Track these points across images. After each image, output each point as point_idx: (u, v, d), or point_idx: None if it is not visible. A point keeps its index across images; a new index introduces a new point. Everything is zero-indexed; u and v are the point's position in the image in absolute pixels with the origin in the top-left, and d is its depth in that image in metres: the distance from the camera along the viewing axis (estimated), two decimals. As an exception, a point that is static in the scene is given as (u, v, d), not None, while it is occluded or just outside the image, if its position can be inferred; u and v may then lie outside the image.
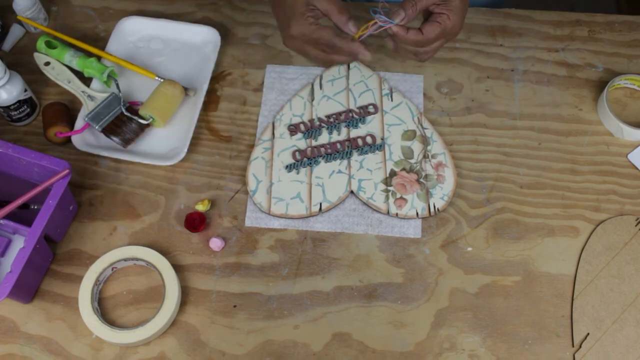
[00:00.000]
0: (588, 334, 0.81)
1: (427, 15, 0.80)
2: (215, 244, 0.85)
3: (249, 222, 0.88)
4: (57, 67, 0.96)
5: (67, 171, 0.81)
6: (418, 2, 0.78)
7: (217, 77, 0.98)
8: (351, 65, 0.97)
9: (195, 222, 0.86)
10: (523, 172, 0.91)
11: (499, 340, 0.81)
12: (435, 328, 0.82)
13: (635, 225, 0.87)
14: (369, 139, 0.92)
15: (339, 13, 0.79)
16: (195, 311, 0.83)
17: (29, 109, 0.93)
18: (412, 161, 0.90)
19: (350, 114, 0.94)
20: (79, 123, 0.92)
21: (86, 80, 0.96)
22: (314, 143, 0.92)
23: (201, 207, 0.87)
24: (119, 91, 0.94)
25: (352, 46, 0.80)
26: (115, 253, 0.84)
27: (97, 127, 0.91)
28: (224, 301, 0.83)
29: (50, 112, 0.92)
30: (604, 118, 0.94)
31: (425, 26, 0.78)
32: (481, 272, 0.85)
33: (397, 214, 0.87)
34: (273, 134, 0.93)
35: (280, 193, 0.89)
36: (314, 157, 0.91)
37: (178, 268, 0.85)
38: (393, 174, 0.90)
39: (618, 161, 0.92)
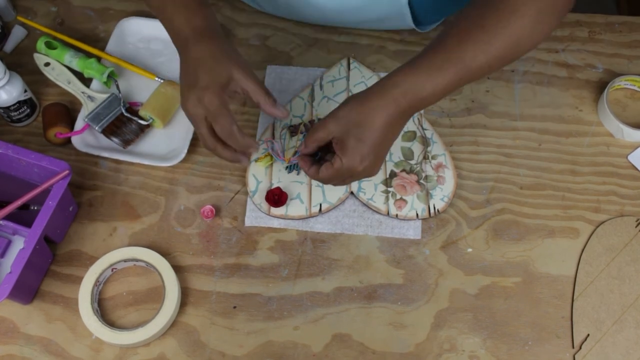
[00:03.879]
0: (588, 335, 0.81)
1: None
2: (206, 211, 0.86)
3: (248, 222, 0.88)
4: (57, 67, 0.96)
5: (67, 172, 0.81)
6: (310, 133, 0.76)
7: (217, 78, 0.98)
8: (352, 65, 0.97)
9: (276, 197, 0.85)
10: (523, 173, 0.91)
11: (499, 342, 0.81)
12: (436, 329, 0.82)
13: (636, 227, 0.87)
14: (369, 140, 0.92)
15: (265, 94, 0.77)
16: (195, 312, 0.83)
17: (28, 110, 0.93)
18: (412, 162, 0.90)
19: (351, 115, 0.94)
20: (79, 124, 0.92)
21: (86, 81, 0.96)
22: (314, 144, 0.92)
23: (262, 164, 0.88)
24: (119, 92, 0.94)
25: (246, 140, 0.76)
26: (115, 254, 0.84)
27: (97, 128, 0.91)
28: (224, 302, 0.83)
29: (50, 112, 0.92)
30: (604, 119, 0.94)
31: (322, 166, 0.77)
32: (481, 273, 0.85)
33: (397, 215, 0.87)
34: (273, 135, 0.93)
35: (280, 194, 0.89)
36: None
37: (178, 269, 0.84)
38: (393, 175, 0.90)
39: (618, 162, 0.92)
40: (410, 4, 0.90)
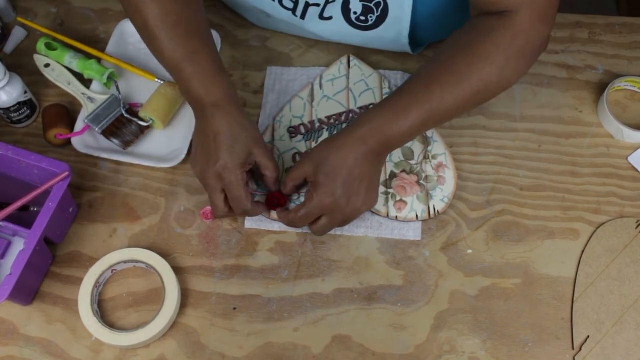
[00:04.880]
0: (588, 336, 0.81)
1: None
2: (206, 213, 0.87)
3: (248, 224, 0.88)
4: (57, 68, 0.96)
5: (67, 173, 0.81)
6: (288, 173, 0.82)
7: (217, 79, 0.98)
8: (351, 64, 0.97)
9: (276, 202, 0.86)
10: (523, 175, 0.91)
11: (499, 343, 0.81)
12: (435, 331, 0.82)
13: (636, 228, 0.87)
14: (369, 141, 0.92)
15: (274, 171, 0.81)
16: (195, 313, 0.83)
17: (28, 111, 0.93)
18: (413, 162, 0.90)
19: (351, 115, 0.94)
20: (79, 125, 0.92)
21: (86, 82, 0.96)
22: (314, 145, 0.92)
23: None
24: (119, 93, 0.94)
25: (258, 211, 0.83)
26: (115, 255, 0.84)
27: (97, 129, 0.91)
28: (224, 303, 0.83)
29: (50, 114, 0.92)
30: (604, 120, 0.94)
31: (293, 208, 0.81)
32: (481, 275, 0.85)
33: (396, 217, 0.87)
34: (273, 136, 0.93)
35: (280, 195, 0.88)
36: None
37: (178, 270, 0.84)
38: (393, 175, 0.90)
39: (618, 163, 0.92)
40: (410, 40, 0.92)
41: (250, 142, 0.79)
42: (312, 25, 0.93)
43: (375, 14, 0.89)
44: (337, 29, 0.92)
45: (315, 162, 0.79)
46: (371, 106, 0.94)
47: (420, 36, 0.94)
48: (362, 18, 0.90)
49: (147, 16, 0.80)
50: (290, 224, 0.83)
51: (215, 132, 0.78)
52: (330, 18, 0.91)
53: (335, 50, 1.00)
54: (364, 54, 0.99)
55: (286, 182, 0.83)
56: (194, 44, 0.81)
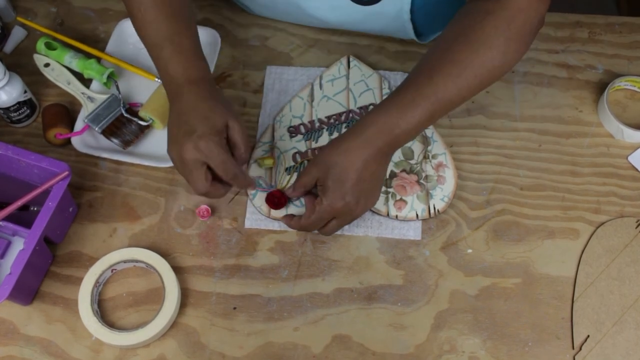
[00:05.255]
0: (588, 336, 0.81)
1: None
2: (201, 211, 0.87)
3: (248, 224, 0.88)
4: (57, 68, 0.96)
5: (66, 173, 0.81)
6: (297, 179, 0.82)
7: (217, 79, 0.98)
8: (351, 64, 0.97)
9: (276, 200, 0.86)
10: (523, 174, 0.91)
11: (499, 343, 0.81)
12: (435, 330, 0.82)
13: (636, 227, 0.87)
14: (369, 141, 0.92)
15: (246, 156, 0.79)
16: (195, 313, 0.83)
17: (28, 111, 0.93)
18: (412, 162, 0.90)
19: (351, 115, 0.94)
20: (79, 124, 0.92)
21: (86, 82, 0.96)
22: (314, 145, 0.92)
23: (268, 163, 0.88)
24: (119, 93, 0.94)
25: (249, 180, 0.81)
26: (114, 255, 0.84)
27: (96, 129, 0.91)
28: (224, 303, 0.83)
29: (50, 113, 0.92)
30: (604, 120, 0.94)
31: (304, 214, 0.81)
32: (481, 274, 0.85)
33: (397, 216, 0.87)
34: (273, 135, 0.93)
35: (280, 195, 0.88)
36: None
37: (178, 270, 0.84)
38: (393, 175, 0.90)
39: (618, 163, 0.92)
40: (412, 18, 0.91)
41: (227, 114, 0.77)
42: (312, 1, 0.91)
43: None
44: (337, 3, 0.91)
45: (324, 166, 0.78)
46: (371, 106, 0.94)
47: (422, 22, 0.93)
48: None
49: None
50: (301, 229, 0.83)
51: (192, 107, 0.77)
52: None
53: (335, 49, 1.00)
54: (364, 54, 0.99)
55: (296, 187, 0.82)
56: (176, 25, 0.80)
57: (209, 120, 0.76)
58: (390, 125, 0.76)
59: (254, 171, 0.90)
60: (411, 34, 0.94)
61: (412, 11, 0.90)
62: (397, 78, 0.97)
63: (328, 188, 0.78)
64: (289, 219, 0.84)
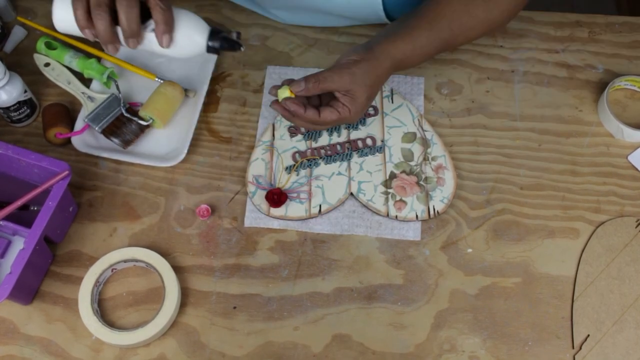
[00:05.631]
0: (588, 335, 0.81)
1: (329, 97, 0.82)
2: (201, 211, 0.86)
3: (248, 222, 0.88)
4: (57, 68, 0.96)
5: (66, 172, 0.81)
6: (322, 81, 0.79)
7: (217, 78, 0.98)
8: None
9: (275, 197, 0.86)
10: (523, 174, 0.91)
11: (499, 342, 0.81)
12: (435, 329, 0.82)
13: (636, 227, 0.87)
14: (369, 141, 0.92)
15: (162, 13, 0.74)
16: (195, 312, 0.83)
17: (28, 110, 0.93)
18: (412, 163, 0.90)
19: (351, 115, 0.94)
20: (79, 124, 0.92)
21: (86, 81, 0.96)
22: (314, 145, 0.92)
23: (287, 93, 0.81)
24: (119, 92, 0.94)
25: (134, 27, 0.73)
26: (115, 254, 0.84)
27: (97, 128, 0.91)
28: (224, 302, 0.83)
29: (50, 113, 0.92)
30: (604, 119, 0.94)
31: (325, 110, 0.80)
32: (481, 274, 0.85)
33: (396, 217, 0.87)
34: (273, 135, 0.93)
35: (280, 194, 0.88)
36: (314, 159, 0.91)
37: (178, 269, 0.84)
38: (393, 176, 0.90)
39: (618, 162, 0.92)
40: (383, 1, 0.92)
41: None
42: None
43: None
44: None
45: (361, 82, 0.79)
46: (371, 109, 0.94)
47: (393, 6, 0.93)
48: None
49: None
50: (314, 125, 0.82)
51: None
52: None
53: (335, 49, 1.00)
54: (364, 53, 1.00)
55: (314, 88, 0.79)
56: None
57: None
58: (402, 57, 0.82)
59: (256, 169, 0.90)
60: (383, 18, 0.95)
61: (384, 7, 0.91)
62: (398, 80, 0.97)
63: (358, 101, 0.80)
64: (301, 106, 0.80)
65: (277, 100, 0.81)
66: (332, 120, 0.81)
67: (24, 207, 0.85)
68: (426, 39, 0.82)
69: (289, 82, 0.81)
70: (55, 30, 0.87)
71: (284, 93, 0.80)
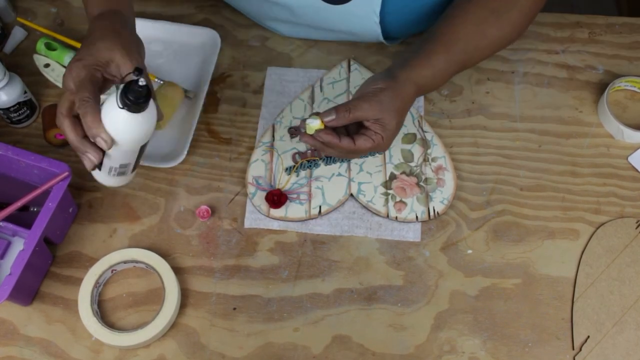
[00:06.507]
0: (588, 336, 0.81)
1: (358, 127, 0.81)
2: (201, 212, 0.86)
3: (248, 224, 0.88)
4: (57, 68, 0.96)
5: (66, 173, 0.81)
6: (353, 111, 0.78)
7: (217, 79, 0.98)
8: (352, 67, 0.97)
9: (275, 198, 0.86)
10: (523, 175, 0.91)
11: (499, 343, 0.81)
12: (436, 331, 0.82)
13: (636, 228, 0.87)
14: (369, 141, 0.92)
15: (127, 65, 0.71)
16: (195, 314, 0.83)
17: (28, 111, 0.93)
18: (412, 164, 0.90)
19: (351, 116, 0.94)
20: (79, 125, 0.92)
21: (86, 82, 0.96)
22: (314, 145, 0.92)
23: (319, 124, 0.78)
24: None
25: (96, 127, 0.67)
26: (114, 255, 0.84)
27: (96, 129, 0.91)
28: (224, 304, 0.83)
29: (50, 114, 0.92)
30: (604, 120, 0.94)
31: (359, 139, 0.79)
32: (481, 275, 0.85)
33: (396, 218, 0.87)
34: (273, 136, 0.93)
35: (280, 195, 0.88)
36: (314, 160, 0.91)
37: (178, 270, 0.84)
38: (393, 177, 0.90)
39: (618, 163, 0.92)
40: (381, 21, 0.92)
41: (118, 48, 0.71)
42: None
43: None
44: (305, 1, 0.91)
45: (389, 109, 0.79)
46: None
47: (392, 25, 0.94)
48: None
49: None
50: (349, 154, 0.82)
51: (88, 35, 0.74)
52: None
53: (335, 50, 1.00)
54: (364, 55, 0.99)
55: (344, 119, 0.78)
56: None
57: (94, 47, 0.71)
58: (423, 82, 0.82)
59: (256, 170, 0.90)
60: (379, 37, 0.95)
61: (382, 14, 0.90)
62: (397, 78, 0.97)
63: (389, 129, 0.80)
64: (335, 136, 0.79)
65: (306, 133, 0.79)
66: (367, 148, 0.80)
67: (24, 208, 0.85)
68: (444, 63, 0.82)
69: (316, 114, 0.79)
70: (55, 31, 0.87)
71: (315, 124, 0.78)
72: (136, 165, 0.77)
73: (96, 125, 0.67)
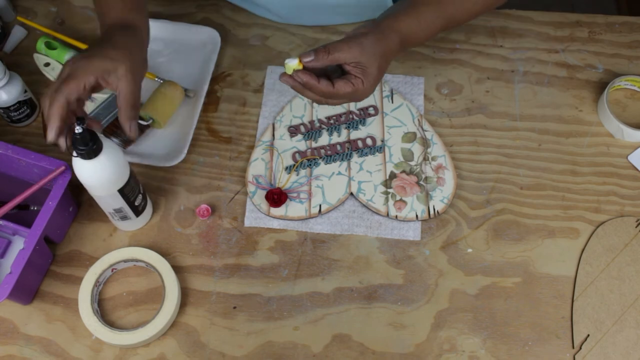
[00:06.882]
0: (588, 335, 0.81)
1: (341, 71, 0.79)
2: (201, 211, 0.86)
3: (248, 222, 0.88)
4: (57, 68, 0.96)
5: (63, 168, 0.81)
6: (332, 51, 0.76)
7: (217, 78, 0.98)
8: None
9: (275, 197, 0.86)
10: (523, 173, 0.91)
11: (499, 342, 0.81)
12: (436, 329, 0.82)
13: (636, 227, 0.87)
14: (369, 141, 0.92)
15: (130, 107, 0.75)
16: (195, 312, 0.83)
17: (28, 110, 0.93)
18: (412, 163, 0.90)
19: (351, 116, 0.94)
20: (79, 124, 0.92)
21: (86, 81, 0.96)
22: (313, 144, 0.92)
23: (297, 63, 0.75)
24: (119, 92, 0.94)
25: (55, 110, 0.73)
26: (115, 254, 0.84)
27: (97, 128, 0.91)
28: (224, 302, 0.83)
29: (50, 113, 0.92)
30: (604, 119, 0.94)
31: (338, 82, 0.76)
32: (481, 274, 0.85)
33: (396, 216, 0.87)
34: (273, 135, 0.93)
35: (280, 194, 0.88)
36: (314, 159, 0.91)
37: (178, 269, 0.84)
38: (393, 176, 0.90)
39: (618, 162, 0.92)
40: None
41: (124, 61, 0.75)
42: None
43: None
44: None
45: (371, 53, 0.77)
46: (371, 108, 0.94)
47: None
48: None
49: None
50: (328, 98, 0.79)
51: (101, 39, 0.77)
52: None
53: (335, 49, 1.00)
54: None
55: (324, 59, 0.76)
56: None
57: (102, 52, 0.75)
58: (408, 32, 0.81)
59: (256, 169, 0.90)
60: (388, 2, 0.95)
61: None
62: (397, 80, 0.97)
63: (370, 73, 0.77)
64: (314, 77, 0.76)
65: (286, 73, 0.77)
66: (347, 93, 0.77)
67: (24, 206, 0.85)
68: (431, 13, 0.81)
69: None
70: (56, 30, 0.87)
71: (293, 63, 0.75)
72: (137, 209, 0.82)
73: (52, 115, 0.73)
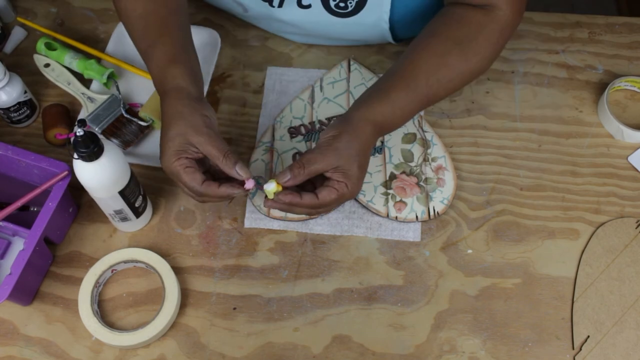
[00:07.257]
0: (588, 336, 0.81)
1: (322, 179, 0.78)
2: (250, 184, 0.80)
3: (248, 223, 0.88)
4: (57, 68, 0.96)
5: (66, 172, 0.81)
6: (307, 166, 0.75)
7: (217, 79, 0.98)
8: (352, 67, 0.97)
9: None
10: (523, 174, 0.91)
11: (499, 343, 0.81)
12: (435, 330, 0.82)
13: (636, 228, 0.87)
14: (369, 141, 0.92)
15: (225, 157, 0.75)
16: (195, 313, 0.83)
17: (28, 111, 0.93)
18: (412, 164, 0.90)
19: (351, 116, 0.94)
20: (79, 125, 0.92)
21: (86, 82, 0.96)
22: (314, 145, 0.92)
23: (275, 186, 0.76)
24: (119, 93, 0.94)
25: (219, 192, 0.75)
26: (114, 255, 0.84)
27: (96, 129, 0.91)
28: (224, 303, 0.83)
29: (50, 113, 0.92)
30: (604, 120, 0.94)
31: (322, 191, 0.76)
32: (481, 275, 0.85)
33: (396, 217, 0.87)
34: (273, 136, 0.93)
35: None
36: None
37: (178, 270, 0.84)
38: (393, 177, 0.90)
39: (618, 163, 0.92)
40: (390, 27, 0.92)
41: (188, 130, 0.74)
42: (290, 14, 0.92)
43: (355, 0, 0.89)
44: (315, 18, 0.92)
45: (347, 155, 0.76)
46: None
47: (401, 30, 0.94)
48: (342, 4, 0.89)
49: (120, 10, 0.84)
50: (316, 209, 0.78)
51: (163, 122, 0.77)
52: (308, 6, 0.91)
53: (335, 50, 1.00)
54: (364, 55, 0.99)
55: (301, 175, 0.75)
56: (151, 37, 0.81)
57: (168, 140, 0.75)
58: (385, 118, 0.79)
59: (256, 170, 0.90)
60: (389, 40, 0.96)
61: (390, 20, 0.91)
62: (397, 78, 0.97)
63: (352, 175, 0.76)
64: (296, 195, 0.76)
65: (267, 198, 0.77)
66: (333, 200, 0.76)
67: (24, 207, 0.85)
68: (404, 98, 0.79)
69: (274, 177, 0.77)
70: (56, 31, 0.87)
71: (271, 187, 0.75)
72: (137, 210, 0.83)
73: (228, 189, 0.76)
